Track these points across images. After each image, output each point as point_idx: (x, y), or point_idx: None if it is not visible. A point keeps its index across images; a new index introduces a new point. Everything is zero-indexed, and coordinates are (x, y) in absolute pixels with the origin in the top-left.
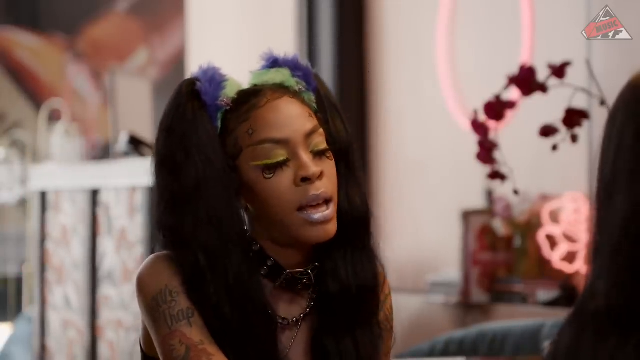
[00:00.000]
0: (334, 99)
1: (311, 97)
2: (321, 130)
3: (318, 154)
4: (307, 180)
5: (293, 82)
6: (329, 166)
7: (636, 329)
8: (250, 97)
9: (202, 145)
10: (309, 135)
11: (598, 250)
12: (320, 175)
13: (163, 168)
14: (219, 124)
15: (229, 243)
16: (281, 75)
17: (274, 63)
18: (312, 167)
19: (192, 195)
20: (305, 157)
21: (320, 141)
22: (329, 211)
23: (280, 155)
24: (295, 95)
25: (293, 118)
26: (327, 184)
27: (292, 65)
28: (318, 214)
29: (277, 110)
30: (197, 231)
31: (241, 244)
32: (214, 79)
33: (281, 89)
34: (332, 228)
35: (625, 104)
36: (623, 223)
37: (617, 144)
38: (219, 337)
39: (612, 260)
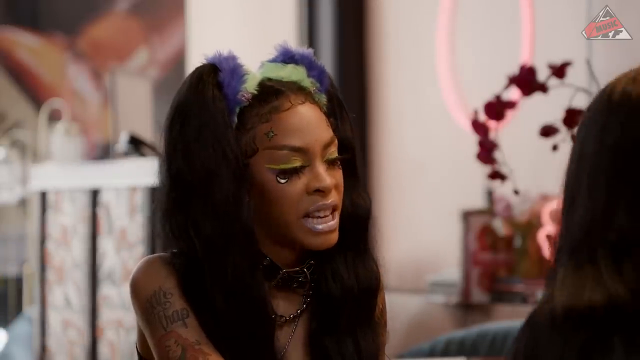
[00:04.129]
0: (341, 99)
1: (323, 98)
2: (336, 141)
3: (331, 163)
4: (320, 191)
5: (308, 83)
6: (338, 175)
7: (589, 328)
8: (272, 97)
9: (219, 137)
10: (327, 145)
11: (560, 258)
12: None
13: (176, 156)
14: (236, 119)
15: (231, 239)
16: (297, 74)
17: (290, 58)
18: (327, 179)
19: (202, 187)
20: (321, 168)
21: (334, 150)
22: (333, 222)
23: (297, 161)
24: (315, 100)
25: (314, 127)
26: (335, 195)
27: (308, 64)
28: (322, 225)
29: (299, 117)
30: (200, 223)
31: (245, 241)
32: (236, 71)
33: (302, 93)
34: (334, 237)
35: (590, 113)
36: (583, 229)
37: (579, 153)
38: (215, 335)
39: (571, 259)
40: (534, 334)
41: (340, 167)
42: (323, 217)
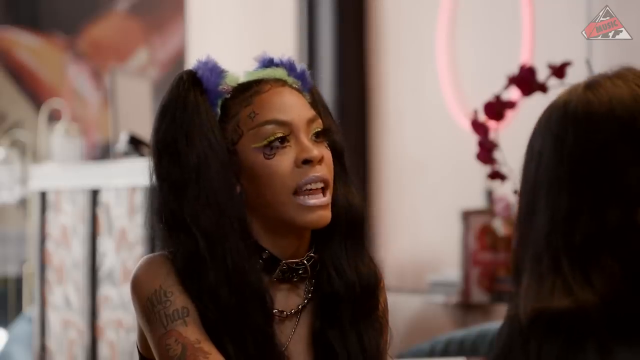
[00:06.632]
0: (326, 103)
1: (306, 96)
2: (320, 120)
3: (316, 140)
4: (308, 162)
5: (290, 80)
6: (327, 153)
7: (558, 336)
8: (252, 85)
9: (203, 130)
10: (310, 122)
11: (522, 266)
12: (320, 160)
13: (165, 155)
14: (219, 110)
15: (228, 227)
16: (278, 73)
17: (269, 63)
18: (314, 150)
19: (193, 179)
20: (307, 141)
21: (318, 127)
22: (325, 198)
23: (282, 133)
24: (296, 89)
25: (295, 104)
26: (325, 170)
27: (288, 66)
28: (313, 199)
29: (280, 96)
30: (197, 215)
31: (240, 229)
32: (215, 68)
33: (282, 81)
34: (327, 214)
35: (544, 124)
36: (545, 237)
37: (537, 163)
38: (217, 327)
39: (534, 267)
40: (509, 339)
41: (328, 147)
42: (314, 190)
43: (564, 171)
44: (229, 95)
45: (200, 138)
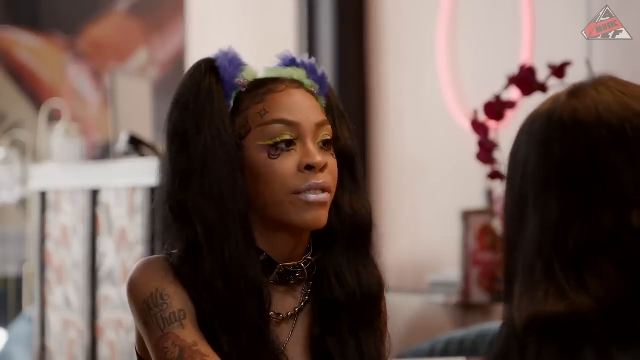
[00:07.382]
0: (342, 109)
1: (322, 101)
2: (329, 126)
3: (323, 147)
4: (310, 168)
5: (308, 83)
6: (332, 161)
7: (553, 342)
8: (268, 82)
9: (214, 119)
10: (319, 126)
11: (514, 274)
12: (323, 168)
13: (175, 141)
14: (232, 103)
15: (229, 220)
16: (297, 73)
17: (291, 62)
18: (318, 156)
19: (199, 168)
20: (312, 146)
21: (327, 134)
22: (324, 195)
23: (288, 135)
24: (311, 92)
25: (307, 106)
26: (328, 177)
27: (309, 68)
28: (314, 195)
29: (292, 96)
30: (200, 205)
31: (241, 223)
32: (234, 60)
33: (298, 82)
34: (323, 215)
35: (527, 133)
36: (535, 243)
37: (522, 171)
38: (212, 321)
39: (525, 278)
40: (506, 342)
41: (335, 158)
42: (314, 193)
43: (552, 177)
44: (244, 89)
45: (210, 127)
